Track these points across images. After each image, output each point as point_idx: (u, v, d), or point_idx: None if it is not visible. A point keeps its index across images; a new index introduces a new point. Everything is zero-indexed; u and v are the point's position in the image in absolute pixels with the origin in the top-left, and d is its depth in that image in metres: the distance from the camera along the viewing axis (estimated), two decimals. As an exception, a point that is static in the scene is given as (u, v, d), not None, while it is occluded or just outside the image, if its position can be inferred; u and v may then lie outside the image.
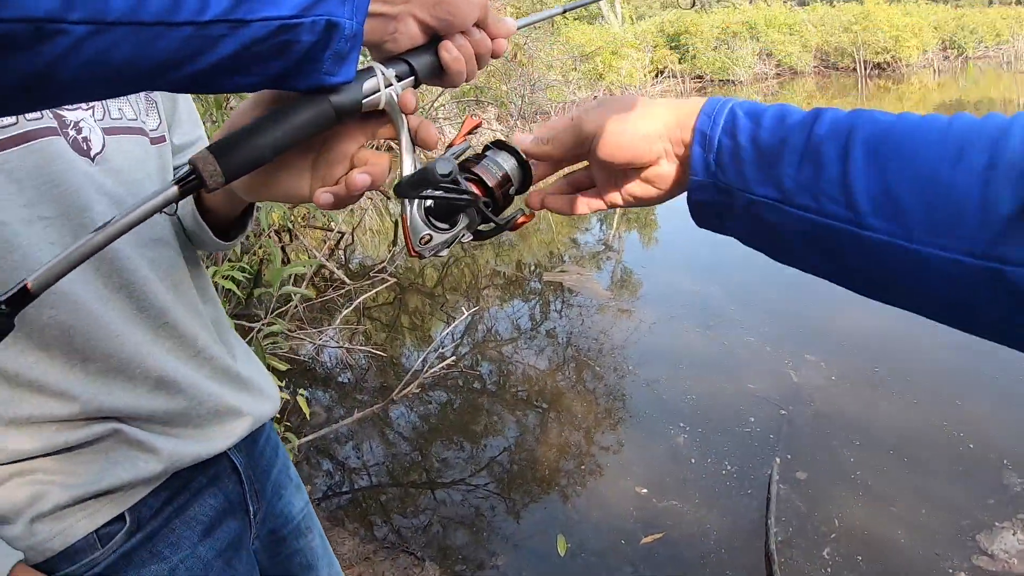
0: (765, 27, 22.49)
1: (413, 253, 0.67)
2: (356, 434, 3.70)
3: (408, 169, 0.65)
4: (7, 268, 0.75)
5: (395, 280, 5.75)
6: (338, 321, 4.43)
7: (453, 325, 4.75)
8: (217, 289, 2.97)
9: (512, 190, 0.73)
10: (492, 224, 0.69)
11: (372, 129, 0.65)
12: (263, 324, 3.45)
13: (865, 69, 22.19)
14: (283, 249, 5.75)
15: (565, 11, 0.93)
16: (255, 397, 1.05)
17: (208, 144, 0.55)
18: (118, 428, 0.85)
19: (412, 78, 0.64)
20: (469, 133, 0.72)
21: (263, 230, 3.96)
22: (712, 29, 22.00)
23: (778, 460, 3.04)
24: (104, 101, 0.87)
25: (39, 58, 0.40)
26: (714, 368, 4.00)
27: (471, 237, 0.70)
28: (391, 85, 0.62)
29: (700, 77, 21.66)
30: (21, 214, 0.76)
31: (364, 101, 0.60)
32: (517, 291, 5.80)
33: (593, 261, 6.41)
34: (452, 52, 0.66)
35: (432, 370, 3.81)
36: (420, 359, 4.30)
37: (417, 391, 3.73)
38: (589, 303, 5.23)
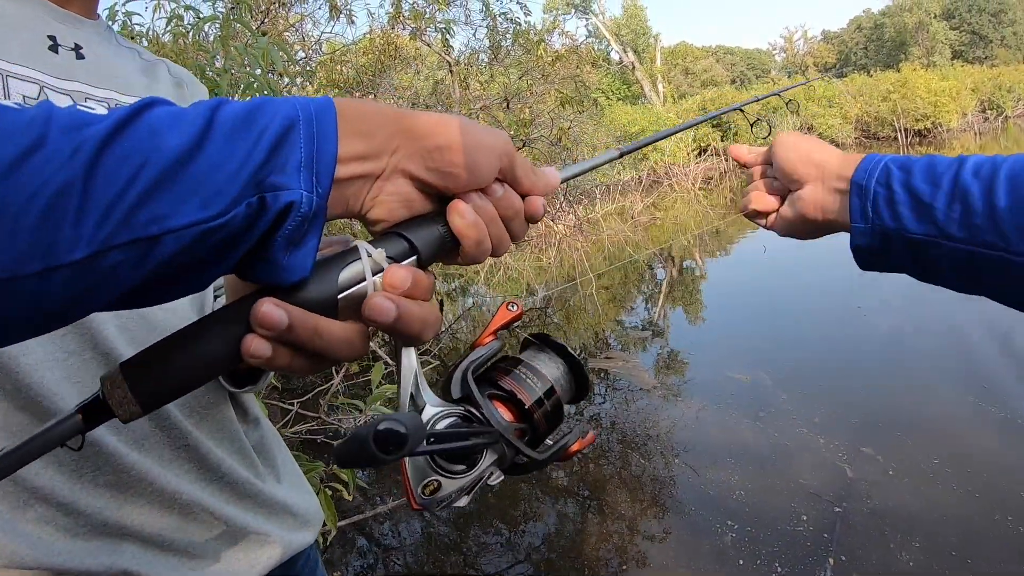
0: (805, 101, 22.63)
1: (415, 507, 0.50)
2: (394, 513, 3.64)
3: (405, 398, 0.49)
4: None
5: (439, 362, 5.76)
6: (378, 403, 4.43)
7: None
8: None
9: (559, 402, 0.55)
10: (530, 458, 0.52)
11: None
12: (298, 404, 3.48)
13: (906, 137, 22.14)
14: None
15: (622, 155, 0.78)
16: (289, 523, 0.97)
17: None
18: (123, 557, 0.77)
19: (414, 258, 0.48)
20: (502, 328, 0.56)
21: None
22: (752, 105, 22.15)
23: (832, 562, 2.90)
24: None
25: None
26: (764, 461, 3.87)
27: (501, 476, 0.52)
28: (382, 271, 0.46)
29: (742, 154, 21.75)
30: None
31: (342, 296, 0.45)
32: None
33: (639, 344, 6.34)
34: (467, 216, 0.50)
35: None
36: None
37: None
38: (634, 388, 5.15)
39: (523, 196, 0.54)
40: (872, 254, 0.77)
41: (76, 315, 0.39)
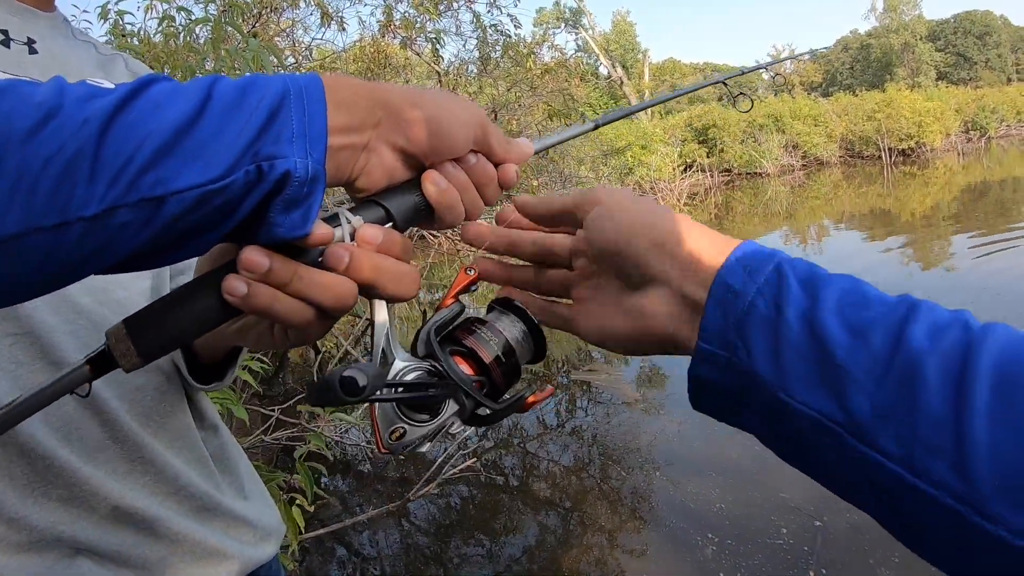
0: (790, 119, 22.88)
1: (383, 450, 0.54)
2: (373, 523, 3.62)
3: (377, 351, 0.54)
4: None
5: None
6: (359, 414, 4.41)
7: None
8: (234, 381, 2.94)
9: (517, 362, 0.58)
10: (488, 407, 0.56)
11: None
12: (279, 410, 3.46)
13: (890, 156, 22.41)
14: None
15: (597, 126, 0.80)
16: (249, 537, 0.95)
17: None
18: (77, 572, 0.75)
19: (390, 224, 0.53)
20: (462, 292, 0.60)
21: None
22: (739, 123, 22.40)
23: (812, 575, 2.91)
24: None
25: None
26: (745, 474, 3.88)
27: (462, 427, 0.56)
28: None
29: (728, 170, 21.97)
30: None
31: (323, 258, 0.50)
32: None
33: (622, 358, 6.35)
34: (439, 184, 0.54)
35: (452, 471, 3.76)
36: (443, 454, 4.24)
37: (436, 491, 3.66)
38: (616, 401, 5.16)
39: (498, 164, 0.58)
40: (714, 396, 0.50)
41: (87, 271, 0.43)
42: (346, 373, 0.45)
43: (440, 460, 3.68)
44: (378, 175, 0.52)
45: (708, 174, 21.42)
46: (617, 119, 0.89)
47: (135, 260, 0.44)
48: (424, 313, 7.62)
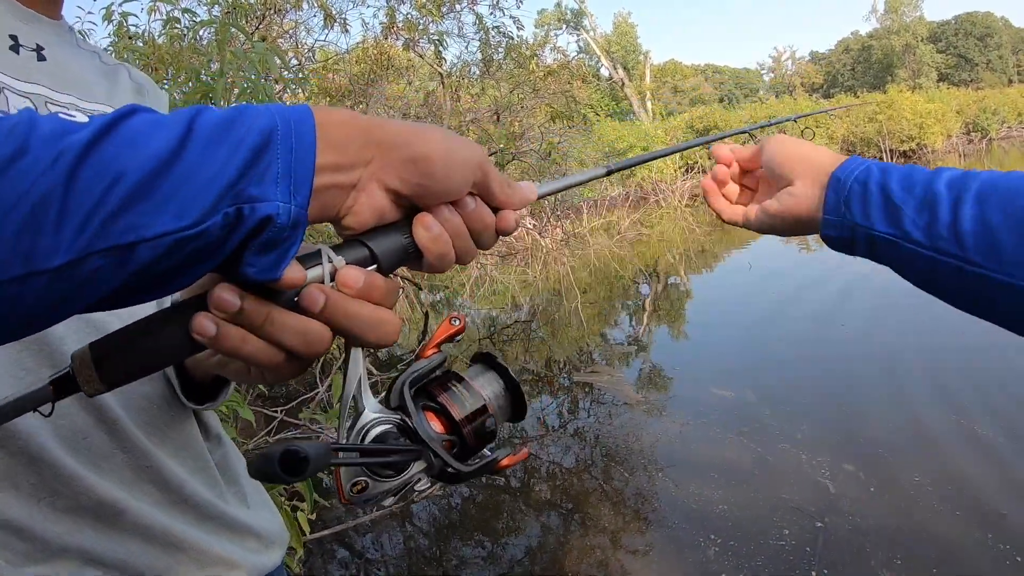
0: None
1: (344, 501, 0.52)
2: (376, 524, 3.63)
3: (347, 400, 0.52)
4: None
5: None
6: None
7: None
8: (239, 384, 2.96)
9: (491, 422, 0.57)
10: (458, 471, 0.54)
11: None
12: (282, 411, 3.47)
13: (891, 158, 22.36)
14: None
15: (609, 172, 0.79)
16: (254, 545, 0.94)
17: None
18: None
19: (374, 266, 0.50)
20: (445, 342, 0.58)
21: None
22: (740, 124, 22.37)
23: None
24: None
25: None
26: (747, 476, 3.88)
27: (429, 484, 0.54)
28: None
29: (729, 171, 21.89)
30: None
31: (298, 299, 0.47)
32: (546, 388, 5.75)
33: (624, 359, 6.36)
34: (432, 230, 0.51)
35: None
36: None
37: (439, 492, 3.67)
38: (618, 403, 5.16)
39: (497, 209, 0.55)
40: (839, 243, 0.81)
41: (55, 319, 0.40)
42: (290, 448, 0.42)
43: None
44: (367, 215, 0.49)
45: (709, 176, 21.38)
46: (632, 166, 0.90)
47: (105, 304, 0.42)
48: (426, 315, 7.62)
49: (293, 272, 0.45)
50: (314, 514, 2.58)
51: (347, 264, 0.48)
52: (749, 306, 7.74)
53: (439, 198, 0.50)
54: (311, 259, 0.48)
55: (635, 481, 3.97)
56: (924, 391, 4.79)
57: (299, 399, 3.78)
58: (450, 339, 0.58)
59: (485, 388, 0.57)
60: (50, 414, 0.47)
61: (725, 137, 1.09)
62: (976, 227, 0.67)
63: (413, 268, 0.54)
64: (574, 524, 3.57)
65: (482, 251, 0.56)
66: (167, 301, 0.80)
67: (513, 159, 7.53)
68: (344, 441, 0.51)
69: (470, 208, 0.52)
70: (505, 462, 0.57)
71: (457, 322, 0.59)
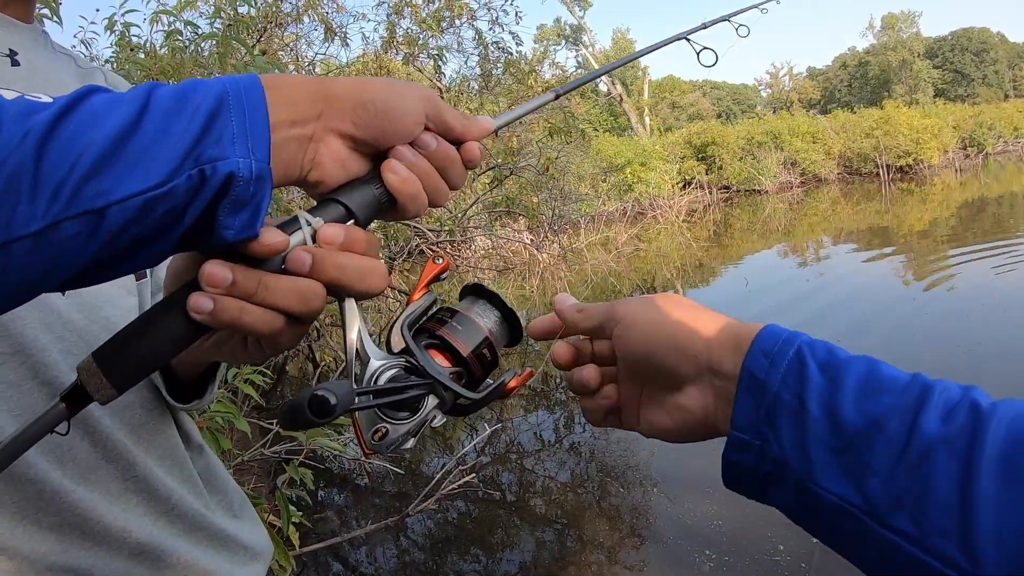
0: (789, 136, 22.93)
1: (367, 451, 0.54)
2: (371, 537, 3.62)
3: (351, 352, 0.53)
4: None
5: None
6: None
7: (476, 440, 4.69)
8: (236, 394, 2.95)
9: (493, 348, 0.59)
10: (469, 398, 0.56)
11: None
12: (278, 423, 3.45)
13: (888, 173, 22.43)
14: (309, 347, 5.80)
15: (558, 96, 0.76)
16: (240, 556, 0.93)
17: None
18: None
19: (352, 221, 0.51)
20: (432, 282, 0.59)
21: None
22: (738, 140, 22.46)
23: (810, 594, 2.89)
24: None
25: None
26: (742, 491, 3.88)
27: (444, 418, 0.55)
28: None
29: (727, 187, 21.99)
30: None
31: (286, 264, 0.49)
32: (542, 402, 5.75)
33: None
34: (399, 172, 0.52)
35: (450, 487, 3.77)
36: (440, 470, 4.24)
37: (434, 506, 3.66)
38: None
39: (459, 144, 0.56)
40: (747, 476, 0.53)
41: (39, 289, 0.42)
42: (317, 393, 0.44)
43: (438, 475, 3.68)
44: (329, 166, 0.50)
45: (707, 191, 21.46)
46: (577, 87, 0.87)
47: (89, 274, 0.43)
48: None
49: (276, 237, 0.48)
50: (296, 532, 2.56)
51: (325, 223, 0.50)
52: (744, 320, 7.71)
53: (396, 136, 0.52)
54: (291, 225, 0.49)
55: (630, 496, 3.96)
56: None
57: (295, 411, 3.77)
58: (436, 278, 0.59)
59: (480, 317, 0.59)
60: (67, 432, 0.48)
61: (655, 48, 0.94)
62: (1006, 528, 0.38)
63: (389, 218, 0.55)
64: (569, 539, 3.56)
65: (453, 190, 0.56)
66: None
67: (511, 174, 7.54)
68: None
69: (432, 147, 0.53)
70: (513, 383, 0.58)
71: (440, 260, 0.60)
